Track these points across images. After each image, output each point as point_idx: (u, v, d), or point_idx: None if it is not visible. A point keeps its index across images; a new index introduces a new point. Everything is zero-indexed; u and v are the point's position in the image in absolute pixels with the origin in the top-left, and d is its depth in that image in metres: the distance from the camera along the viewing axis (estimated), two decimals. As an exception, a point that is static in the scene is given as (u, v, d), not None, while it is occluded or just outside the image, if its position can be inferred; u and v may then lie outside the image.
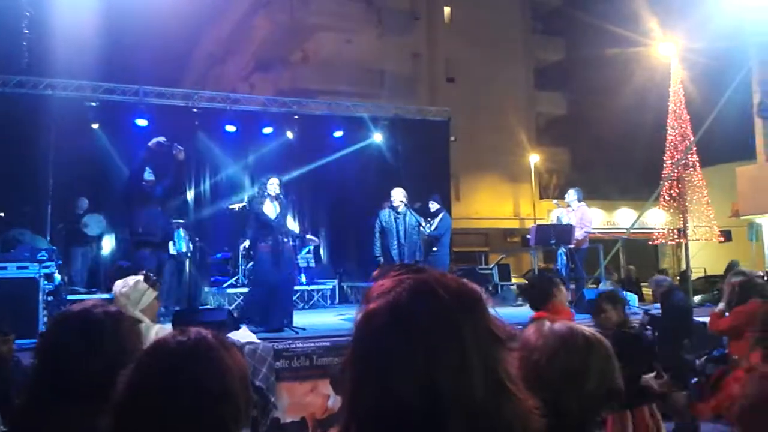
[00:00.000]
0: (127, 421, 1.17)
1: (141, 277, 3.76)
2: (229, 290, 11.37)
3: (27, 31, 9.96)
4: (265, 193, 7.84)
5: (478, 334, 0.93)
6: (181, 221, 9.23)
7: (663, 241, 21.23)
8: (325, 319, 9.45)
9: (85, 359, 1.66)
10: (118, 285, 3.78)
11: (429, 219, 9.56)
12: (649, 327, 7.58)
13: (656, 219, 21.81)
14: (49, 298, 7.92)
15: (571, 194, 10.04)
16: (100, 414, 1.64)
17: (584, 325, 1.50)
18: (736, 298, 5.78)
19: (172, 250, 8.99)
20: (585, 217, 9.70)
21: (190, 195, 12.61)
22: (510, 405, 0.92)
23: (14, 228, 9.69)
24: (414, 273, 0.99)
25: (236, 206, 7.65)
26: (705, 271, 20.67)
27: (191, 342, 1.22)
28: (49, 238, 10.07)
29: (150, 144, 7.22)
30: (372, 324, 0.95)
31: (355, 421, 0.95)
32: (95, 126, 11.36)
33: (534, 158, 29.27)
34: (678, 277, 17.69)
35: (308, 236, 12.47)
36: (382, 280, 0.99)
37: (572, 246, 9.24)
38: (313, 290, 12.18)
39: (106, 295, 10.04)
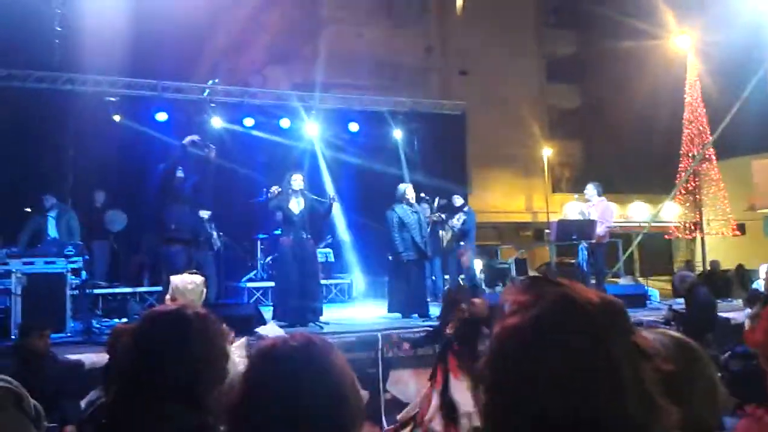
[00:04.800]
0: (243, 426, 1.16)
1: (201, 277, 3.81)
2: (249, 284, 11.43)
3: (59, 29, 9.94)
4: (289, 189, 7.90)
5: (627, 349, 0.89)
6: (206, 216, 9.29)
7: (679, 235, 21.11)
8: (347, 314, 9.50)
9: (175, 357, 1.68)
10: (182, 280, 3.78)
11: (451, 214, 9.60)
12: (672, 322, 7.58)
13: (670, 213, 21.69)
14: (75, 292, 7.98)
15: (590, 189, 9.88)
16: (188, 412, 1.68)
17: None
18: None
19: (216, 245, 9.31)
20: (606, 211, 9.64)
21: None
22: (661, 422, 0.87)
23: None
24: (551, 286, 0.94)
25: (274, 189, 7.71)
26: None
27: (303, 347, 1.22)
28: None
29: (184, 142, 7.22)
30: (516, 340, 0.90)
31: None
32: (115, 120, 11.38)
33: (547, 152, 29.06)
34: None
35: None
36: (516, 293, 0.94)
37: (593, 241, 9.20)
38: (331, 284, 12.23)
39: (128, 290, 10.17)
